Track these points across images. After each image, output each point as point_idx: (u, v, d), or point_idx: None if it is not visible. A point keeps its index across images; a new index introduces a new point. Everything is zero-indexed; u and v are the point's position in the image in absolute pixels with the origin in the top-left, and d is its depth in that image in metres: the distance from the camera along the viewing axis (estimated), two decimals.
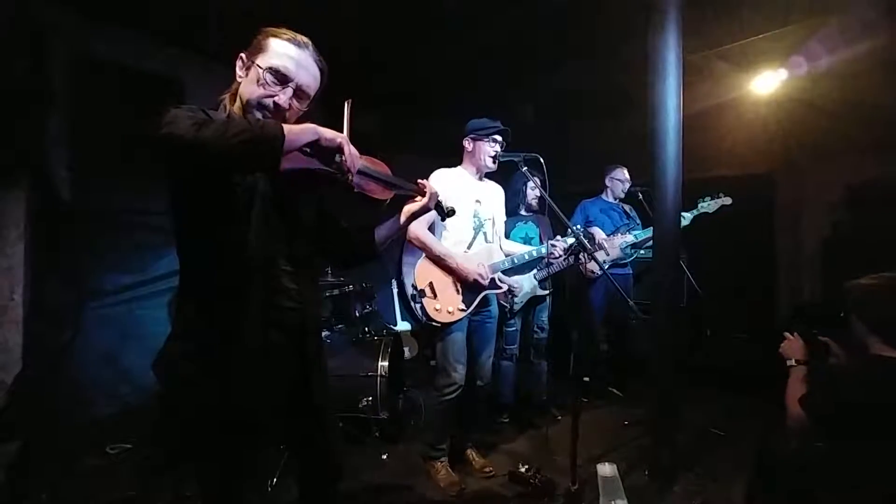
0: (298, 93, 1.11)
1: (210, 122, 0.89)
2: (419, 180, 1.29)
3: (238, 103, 1.11)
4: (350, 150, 1.03)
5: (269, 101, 1.08)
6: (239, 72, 1.10)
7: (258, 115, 1.08)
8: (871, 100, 3.03)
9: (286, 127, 0.94)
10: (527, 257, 2.39)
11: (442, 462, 2.27)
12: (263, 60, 1.07)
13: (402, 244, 2.25)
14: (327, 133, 1.01)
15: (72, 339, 2.50)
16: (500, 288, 2.28)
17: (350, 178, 1.05)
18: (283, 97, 1.08)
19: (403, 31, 2.84)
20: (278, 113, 1.08)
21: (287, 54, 1.08)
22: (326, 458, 1.28)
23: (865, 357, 1.43)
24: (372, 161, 1.18)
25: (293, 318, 1.12)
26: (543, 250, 2.43)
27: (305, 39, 1.12)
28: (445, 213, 1.33)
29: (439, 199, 1.31)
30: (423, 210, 1.28)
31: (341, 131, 1.07)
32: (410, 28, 2.81)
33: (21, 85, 2.24)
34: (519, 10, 2.64)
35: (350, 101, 1.14)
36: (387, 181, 1.17)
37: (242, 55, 1.10)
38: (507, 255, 2.36)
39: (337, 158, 1.02)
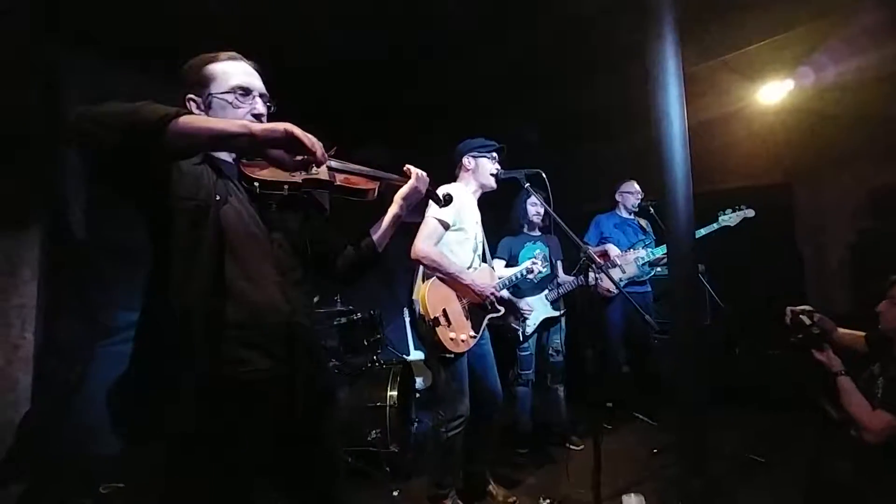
0: (262, 98, 1.12)
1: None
2: (406, 166, 1.25)
3: None
4: (303, 133, 0.92)
5: (249, 117, 1.08)
6: (198, 112, 1.08)
7: None
8: (880, 109, 2.96)
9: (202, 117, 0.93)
10: (513, 279, 2.41)
11: (451, 498, 2.09)
12: (218, 86, 1.08)
13: (416, 270, 2.18)
14: (262, 126, 0.94)
15: (82, 377, 2.49)
16: (499, 311, 2.20)
17: (318, 166, 1.01)
18: (259, 106, 1.10)
19: (407, 55, 2.89)
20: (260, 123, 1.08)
21: (234, 71, 1.10)
22: (328, 501, 1.18)
23: None
24: (343, 162, 1.17)
25: (290, 345, 1.07)
26: (524, 271, 2.44)
27: (230, 52, 1.13)
28: (442, 200, 1.30)
29: (429, 187, 1.27)
30: (415, 193, 1.24)
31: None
32: (415, 52, 2.86)
33: (35, 121, 2.27)
34: (524, 31, 2.67)
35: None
36: (366, 173, 1.16)
37: (192, 97, 1.08)
38: (499, 277, 2.35)
39: (297, 157, 0.93)
